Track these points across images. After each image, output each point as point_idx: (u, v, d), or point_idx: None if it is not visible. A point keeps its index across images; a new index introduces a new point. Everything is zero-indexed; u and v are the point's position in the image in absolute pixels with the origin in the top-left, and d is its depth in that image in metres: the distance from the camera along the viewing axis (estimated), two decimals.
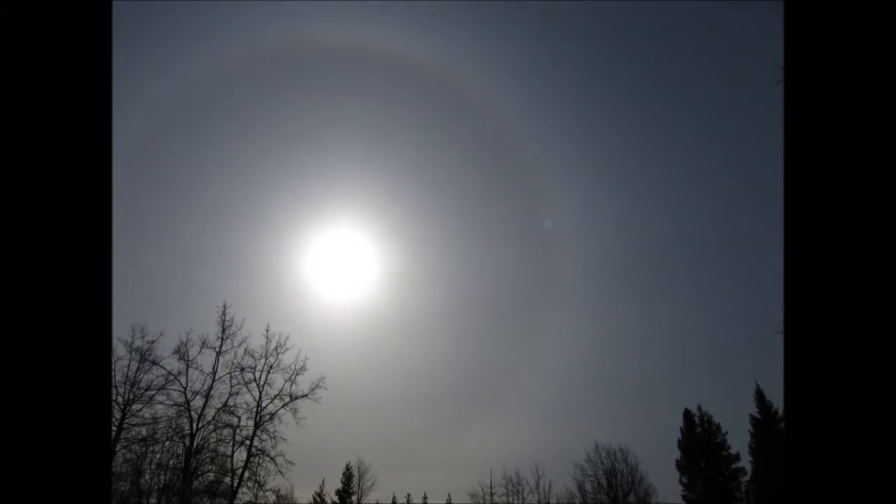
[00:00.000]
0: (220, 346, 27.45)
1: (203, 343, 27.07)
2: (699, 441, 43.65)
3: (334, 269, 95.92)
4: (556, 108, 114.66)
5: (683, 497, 43.06)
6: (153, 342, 25.76)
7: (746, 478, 42.14)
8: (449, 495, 53.57)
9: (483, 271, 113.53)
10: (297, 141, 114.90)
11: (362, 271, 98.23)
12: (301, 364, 28.27)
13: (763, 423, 42.45)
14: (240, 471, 25.94)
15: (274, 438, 26.54)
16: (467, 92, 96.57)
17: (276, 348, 28.37)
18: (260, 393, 27.58)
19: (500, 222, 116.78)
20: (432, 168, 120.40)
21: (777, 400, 42.49)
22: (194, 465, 25.94)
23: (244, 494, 25.83)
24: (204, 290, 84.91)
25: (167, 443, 28.48)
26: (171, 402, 26.03)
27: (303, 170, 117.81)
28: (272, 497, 27.16)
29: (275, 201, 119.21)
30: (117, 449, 24.57)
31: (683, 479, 43.47)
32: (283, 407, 27.52)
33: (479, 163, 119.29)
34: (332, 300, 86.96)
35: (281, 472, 26.22)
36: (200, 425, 26.06)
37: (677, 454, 44.39)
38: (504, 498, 44.90)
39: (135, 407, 24.95)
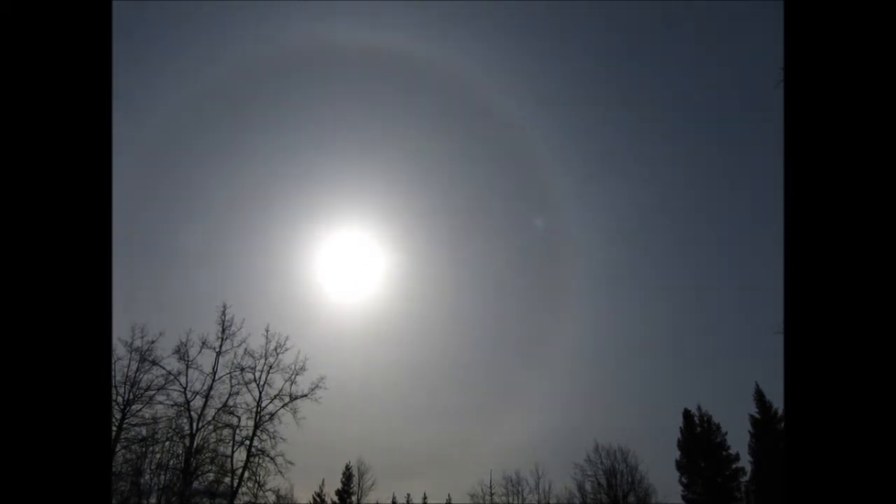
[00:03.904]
0: (220, 346, 27.45)
1: (203, 343, 27.08)
2: (699, 441, 43.65)
3: (342, 271, 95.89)
4: (557, 109, 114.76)
5: (683, 497, 43.06)
6: (153, 342, 25.76)
7: (746, 478, 42.13)
8: (449, 495, 53.58)
9: (486, 273, 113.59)
10: (303, 142, 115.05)
11: (369, 272, 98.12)
12: (301, 364, 28.30)
13: (763, 423, 42.45)
14: (240, 471, 25.95)
15: (274, 438, 26.57)
16: (473, 93, 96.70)
17: (275, 348, 28.38)
18: (260, 393, 27.61)
19: (503, 222, 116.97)
20: (439, 169, 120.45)
21: (777, 400, 42.53)
22: (194, 465, 25.95)
23: (244, 494, 25.84)
24: (206, 290, 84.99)
25: (167, 443, 28.54)
26: (171, 402, 26.04)
27: (310, 171, 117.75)
28: (272, 497, 27.21)
29: (282, 203, 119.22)
30: (117, 449, 24.57)
31: (683, 479, 43.47)
32: (282, 407, 27.54)
33: (484, 163, 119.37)
34: (339, 301, 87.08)
35: (281, 472, 26.25)
36: (200, 425, 26.06)
37: (677, 454, 44.40)
38: (504, 498, 44.93)
39: (135, 407, 24.96)
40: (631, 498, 41.84)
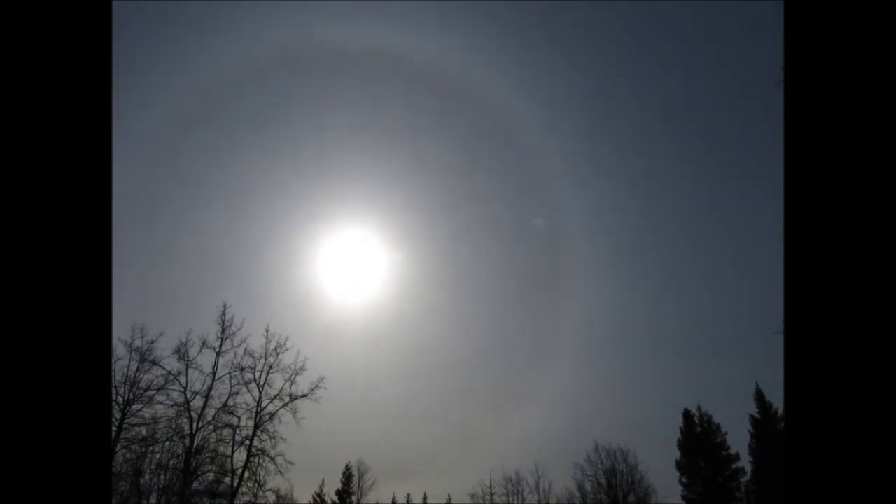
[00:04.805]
0: (220, 346, 27.47)
1: (203, 343, 27.10)
2: (699, 441, 43.64)
3: (343, 271, 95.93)
4: (558, 108, 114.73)
5: (683, 497, 43.06)
6: (153, 342, 25.78)
7: (746, 478, 42.12)
8: (449, 495, 53.57)
9: (488, 273, 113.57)
10: (304, 141, 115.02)
11: (370, 272, 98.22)
12: (301, 364, 28.30)
13: (763, 423, 42.44)
14: (240, 471, 25.95)
15: (274, 438, 26.56)
16: (474, 92, 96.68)
17: (275, 348, 28.39)
18: (260, 393, 27.61)
19: (505, 222, 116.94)
20: (441, 168, 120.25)
21: (777, 400, 42.54)
22: (194, 465, 25.95)
23: (244, 494, 25.84)
24: (206, 291, 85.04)
25: (167, 443, 28.54)
26: (171, 402, 26.05)
27: (311, 171, 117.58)
28: (272, 497, 27.19)
29: (283, 203, 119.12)
30: (117, 449, 24.57)
31: (683, 479, 43.47)
32: (282, 407, 27.55)
33: (486, 162, 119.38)
34: (340, 301, 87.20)
35: (281, 472, 26.24)
36: (200, 425, 26.06)
37: (677, 454, 44.41)
38: (504, 498, 44.93)
39: (135, 407, 24.97)
40: (631, 498, 41.84)
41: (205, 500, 26.77)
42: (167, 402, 25.95)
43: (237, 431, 26.84)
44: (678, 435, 45.00)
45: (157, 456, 30.13)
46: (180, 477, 26.07)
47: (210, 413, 26.52)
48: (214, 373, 26.91)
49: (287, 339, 28.75)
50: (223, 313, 27.95)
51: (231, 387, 27.07)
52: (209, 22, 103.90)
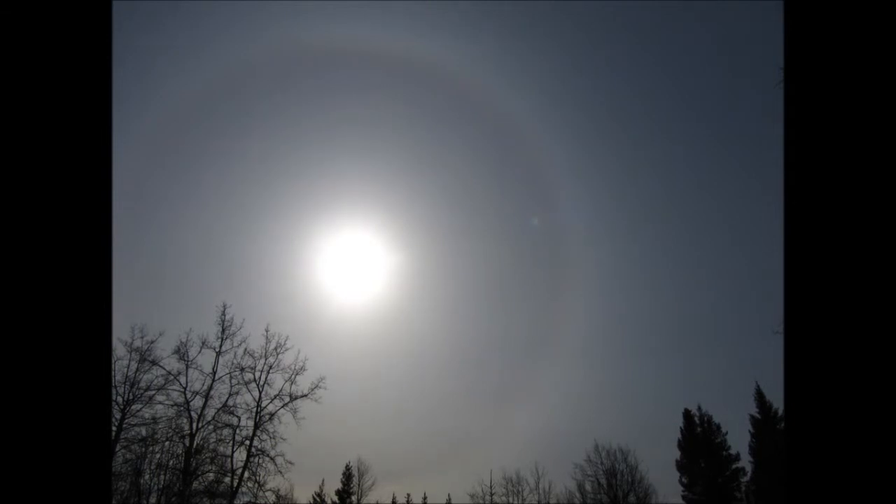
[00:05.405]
0: (220, 346, 27.52)
1: (203, 343, 27.14)
2: (699, 441, 43.64)
3: (344, 271, 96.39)
4: (559, 108, 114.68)
5: (683, 497, 43.05)
6: (153, 342, 25.83)
7: (746, 478, 42.12)
8: (449, 495, 53.55)
9: (488, 273, 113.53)
10: (306, 143, 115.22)
11: (371, 272, 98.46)
12: (301, 364, 28.35)
13: (763, 423, 42.43)
14: (240, 471, 25.97)
15: (274, 438, 26.59)
16: (475, 93, 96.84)
17: (275, 348, 28.44)
18: (260, 393, 27.64)
19: (507, 222, 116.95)
20: (442, 169, 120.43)
21: (777, 400, 42.53)
22: (194, 465, 25.95)
23: (244, 494, 25.86)
24: (206, 290, 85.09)
25: (167, 443, 28.54)
26: (171, 402, 26.08)
27: (313, 172, 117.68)
28: (272, 497, 27.18)
29: (284, 204, 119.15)
30: (117, 449, 24.58)
31: (683, 479, 43.46)
32: (282, 407, 27.57)
33: (487, 163, 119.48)
34: (341, 302, 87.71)
35: (281, 472, 26.27)
36: (200, 425, 26.08)
37: (677, 454, 44.40)
38: (504, 498, 44.92)
39: (135, 407, 24.99)
40: (631, 498, 41.82)
41: (205, 500, 26.76)
42: (167, 402, 26.01)
43: (237, 431, 26.87)
44: (678, 435, 45.01)
45: (157, 456, 30.15)
46: (180, 477, 26.06)
47: (210, 413, 26.58)
48: (214, 373, 26.94)
49: (287, 339, 28.82)
50: (223, 313, 28.02)
51: (231, 387, 27.13)
52: (209, 21, 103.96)
